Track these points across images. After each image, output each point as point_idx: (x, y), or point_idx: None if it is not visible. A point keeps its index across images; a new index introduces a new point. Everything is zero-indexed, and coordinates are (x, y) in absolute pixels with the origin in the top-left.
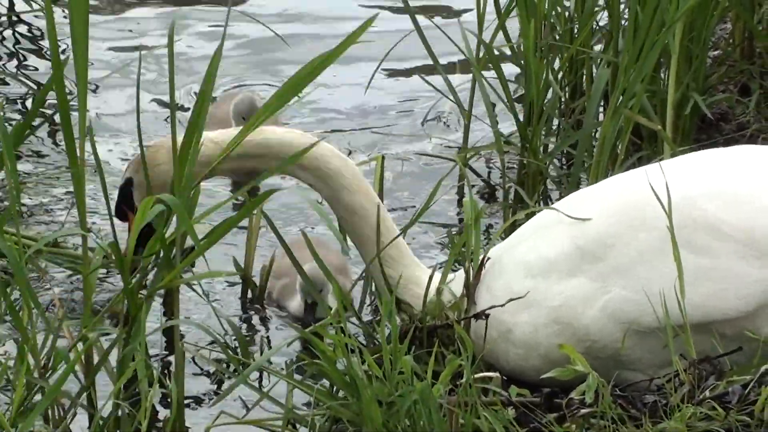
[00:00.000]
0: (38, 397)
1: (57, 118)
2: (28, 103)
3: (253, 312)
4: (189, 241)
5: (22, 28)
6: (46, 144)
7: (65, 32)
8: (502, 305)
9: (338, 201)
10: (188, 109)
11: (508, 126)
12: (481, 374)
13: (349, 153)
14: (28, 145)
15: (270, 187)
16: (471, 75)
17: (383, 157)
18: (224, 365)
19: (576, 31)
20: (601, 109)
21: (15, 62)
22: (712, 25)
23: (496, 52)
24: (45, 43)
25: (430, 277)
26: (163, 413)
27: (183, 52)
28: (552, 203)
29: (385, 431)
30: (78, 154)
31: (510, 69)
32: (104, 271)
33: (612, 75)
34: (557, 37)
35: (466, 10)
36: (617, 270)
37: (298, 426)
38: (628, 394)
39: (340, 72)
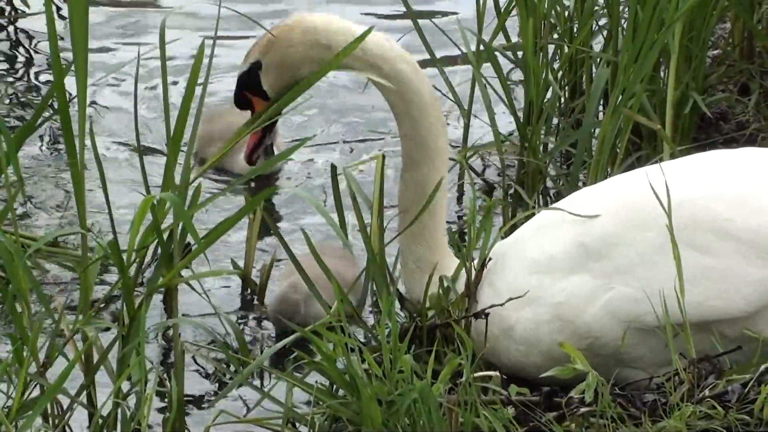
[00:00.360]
0: (36, 393)
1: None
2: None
3: (252, 311)
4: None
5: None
6: (45, 142)
7: (65, 32)
8: (501, 304)
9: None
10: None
11: (507, 125)
12: (481, 373)
13: (350, 152)
14: (29, 145)
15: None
16: (471, 74)
17: (384, 156)
18: (224, 364)
19: (575, 30)
20: (601, 108)
21: (14, 61)
22: (712, 24)
23: (496, 52)
24: (43, 46)
25: (430, 277)
26: (162, 412)
27: (184, 53)
28: (552, 202)
29: (384, 430)
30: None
31: (510, 68)
32: (105, 271)
33: (611, 74)
34: (555, 36)
35: (465, 10)
36: (620, 268)
37: (297, 425)
38: (627, 392)
39: (341, 71)
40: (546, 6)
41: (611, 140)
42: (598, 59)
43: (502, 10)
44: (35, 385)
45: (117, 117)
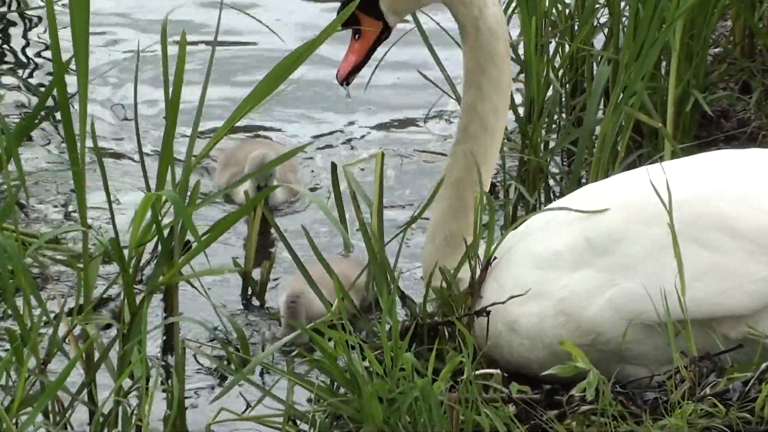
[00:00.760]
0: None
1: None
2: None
3: (253, 309)
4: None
5: (21, 26)
6: (44, 140)
7: (66, 33)
8: (503, 302)
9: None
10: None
11: (508, 123)
12: (482, 371)
13: (351, 149)
14: (29, 145)
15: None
16: None
17: (383, 154)
18: (225, 362)
19: (576, 28)
20: (602, 106)
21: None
22: (713, 22)
23: None
24: (40, 43)
25: (430, 272)
26: (163, 410)
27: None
28: (553, 200)
29: (386, 428)
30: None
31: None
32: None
33: (613, 72)
34: (557, 35)
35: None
36: (625, 264)
37: (298, 422)
38: (628, 390)
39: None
40: (547, 4)
41: (612, 138)
42: (599, 57)
43: (504, 8)
44: (35, 381)
45: (116, 114)
